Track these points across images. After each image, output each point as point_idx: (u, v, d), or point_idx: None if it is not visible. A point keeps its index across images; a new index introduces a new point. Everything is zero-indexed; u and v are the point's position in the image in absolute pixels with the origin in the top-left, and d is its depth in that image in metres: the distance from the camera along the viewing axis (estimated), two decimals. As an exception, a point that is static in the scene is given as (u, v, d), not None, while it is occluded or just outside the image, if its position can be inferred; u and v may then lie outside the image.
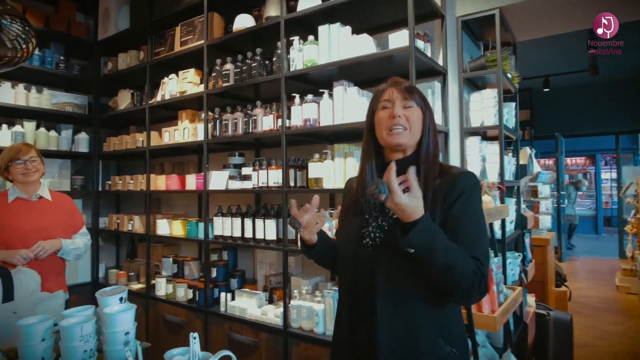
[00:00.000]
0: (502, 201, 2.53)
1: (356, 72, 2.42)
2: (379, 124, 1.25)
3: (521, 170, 3.24)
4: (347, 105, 2.32)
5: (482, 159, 2.66)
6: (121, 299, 1.47)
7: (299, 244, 2.51)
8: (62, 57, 3.66)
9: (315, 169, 2.41)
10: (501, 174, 2.59)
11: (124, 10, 3.69)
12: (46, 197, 2.35)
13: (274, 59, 2.61)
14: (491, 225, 2.38)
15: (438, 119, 2.42)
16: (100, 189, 3.91)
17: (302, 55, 2.49)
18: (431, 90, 2.37)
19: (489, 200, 2.25)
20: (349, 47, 2.34)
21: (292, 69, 2.52)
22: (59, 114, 3.66)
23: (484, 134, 2.82)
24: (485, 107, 2.64)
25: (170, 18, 3.25)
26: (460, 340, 1.22)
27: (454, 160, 2.59)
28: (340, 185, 2.34)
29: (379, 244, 1.21)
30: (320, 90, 2.43)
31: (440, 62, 2.49)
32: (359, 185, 1.31)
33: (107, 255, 4.11)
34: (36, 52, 3.46)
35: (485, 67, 2.63)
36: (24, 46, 1.64)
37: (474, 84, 2.83)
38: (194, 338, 1.22)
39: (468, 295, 1.10)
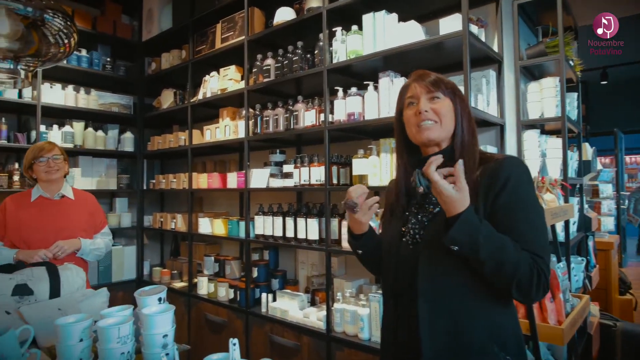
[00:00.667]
0: (566, 200, 2.30)
1: (403, 62, 2.27)
2: (407, 123, 1.18)
3: (584, 167, 2.97)
4: (393, 97, 2.18)
5: (542, 154, 2.44)
6: (160, 299, 1.41)
7: (342, 244, 2.39)
8: (108, 59, 3.73)
9: (360, 165, 2.29)
10: (564, 170, 2.36)
11: (167, 10, 3.72)
12: (69, 195, 2.32)
13: (316, 51, 2.51)
14: (553, 226, 2.17)
15: (493, 110, 2.23)
16: (144, 187, 3.96)
17: (345, 46, 2.38)
18: (485, 80, 2.19)
19: (552, 199, 2.04)
20: (395, 36, 2.20)
21: (334, 61, 2.41)
22: (106, 114, 3.74)
23: (543, 127, 2.59)
24: (545, 97, 2.41)
25: (211, 15, 3.23)
26: (517, 348, 1.11)
27: (511, 156, 2.39)
28: (387, 182, 2.20)
29: (419, 241, 1.15)
30: (365, 83, 2.31)
31: (496, 48, 2.30)
32: (396, 185, 1.25)
33: (152, 253, 4.17)
34: (84, 54, 3.55)
35: (545, 53, 2.41)
36: (65, 41, 1.63)
37: (530, 73, 2.61)
38: (234, 344, 1.13)
39: (526, 293, 1.00)
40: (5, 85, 1.67)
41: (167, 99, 3.70)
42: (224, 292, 3.03)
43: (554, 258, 2.00)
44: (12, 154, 3.44)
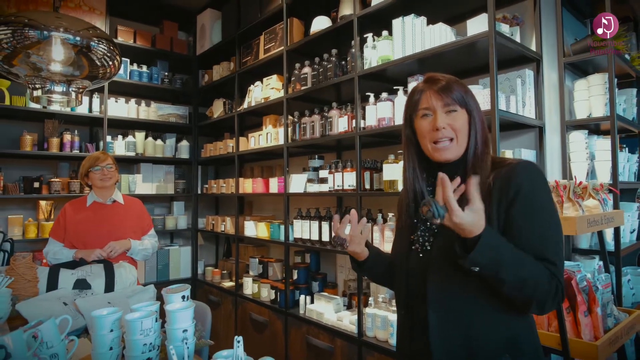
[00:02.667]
0: (616, 206, 2.13)
1: (434, 65, 2.23)
2: (420, 133, 1.12)
3: (647, 169, 2.71)
4: (422, 101, 2.16)
5: (590, 157, 2.28)
6: (184, 297, 1.53)
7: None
8: (166, 73, 4.04)
9: (390, 170, 2.29)
10: (614, 173, 2.18)
11: (217, 25, 3.95)
12: (119, 201, 2.54)
13: (348, 58, 2.55)
14: (601, 234, 2.02)
15: (530, 111, 2.12)
16: (199, 192, 4.22)
17: (376, 52, 2.39)
18: (521, 80, 2.09)
19: (594, 205, 1.90)
20: (424, 39, 2.18)
21: (365, 67, 2.43)
22: (164, 124, 4.05)
23: (594, 127, 2.41)
24: (593, 95, 2.26)
25: (255, 28, 3.39)
26: (533, 358, 1.06)
27: (553, 159, 2.26)
28: (416, 187, 2.18)
29: (428, 249, 1.13)
30: (395, 88, 2.31)
31: (533, 46, 2.19)
32: (405, 192, 1.21)
33: (207, 253, 4.43)
34: (144, 69, 3.87)
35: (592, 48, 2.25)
36: (110, 63, 1.82)
37: (580, 69, 2.44)
38: (238, 342, 1.21)
39: (542, 306, 0.98)
40: (58, 104, 1.90)
41: (217, 109, 3.92)
42: (266, 293, 3.16)
43: (594, 267, 1.87)
44: (85, 162, 3.85)
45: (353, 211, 1.24)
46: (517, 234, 0.99)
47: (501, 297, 1.00)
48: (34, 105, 3.35)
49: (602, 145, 2.28)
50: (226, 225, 3.72)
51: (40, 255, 3.24)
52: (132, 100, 3.88)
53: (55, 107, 3.28)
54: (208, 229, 4.01)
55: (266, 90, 3.27)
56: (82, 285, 2.17)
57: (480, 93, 1.94)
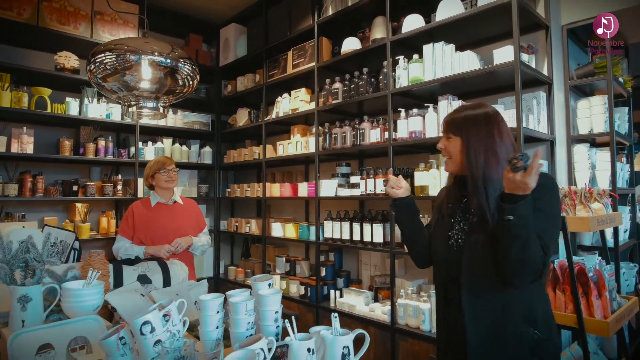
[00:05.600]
0: (615, 209, 2.50)
1: (460, 86, 2.57)
2: None
3: (636, 177, 3.11)
4: (451, 117, 2.49)
5: (592, 166, 2.64)
6: (269, 285, 1.80)
7: (404, 246, 2.71)
8: (191, 83, 4.28)
9: (421, 177, 2.60)
10: (613, 181, 2.55)
11: (242, 39, 4.22)
12: (179, 201, 2.80)
13: (380, 77, 2.86)
14: (602, 232, 2.38)
15: (544, 127, 2.47)
16: (220, 195, 4.47)
17: (406, 72, 2.71)
18: (536, 101, 2.44)
19: (599, 208, 2.26)
20: (453, 64, 2.51)
21: (397, 85, 2.74)
22: (189, 131, 4.28)
23: (593, 141, 2.79)
24: (594, 114, 2.63)
25: (283, 44, 3.67)
26: (545, 324, 1.33)
27: (562, 168, 2.61)
28: (446, 192, 2.50)
29: (461, 244, 1.42)
30: (426, 105, 2.63)
31: (545, 71, 2.55)
32: (446, 192, 1.53)
33: (223, 254, 4.66)
34: (173, 79, 4.10)
35: (594, 73, 2.62)
36: (190, 82, 2.08)
37: (581, 90, 2.82)
38: (335, 317, 1.49)
39: (532, 272, 1.21)
40: (145, 116, 2.15)
41: (242, 117, 4.18)
42: (295, 289, 3.43)
43: (595, 261, 2.22)
44: (114, 167, 4.05)
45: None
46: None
47: (504, 265, 1.23)
48: (72, 112, 3.55)
49: (602, 156, 2.65)
50: (251, 227, 3.97)
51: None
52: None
53: (144, 120, 3.73)
54: (230, 231, 4.25)
55: (294, 102, 3.56)
56: (144, 280, 2.40)
57: (507, 113, 2.28)
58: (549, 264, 1.27)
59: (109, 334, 1.27)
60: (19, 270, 1.62)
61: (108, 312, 1.97)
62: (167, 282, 2.46)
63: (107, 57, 1.86)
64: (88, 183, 3.66)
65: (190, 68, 2.02)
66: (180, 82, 2.06)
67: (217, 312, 1.70)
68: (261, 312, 1.72)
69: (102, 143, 3.72)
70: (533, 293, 1.33)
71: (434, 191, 2.55)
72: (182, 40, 4.43)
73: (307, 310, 3.28)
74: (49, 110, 3.44)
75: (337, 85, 3.15)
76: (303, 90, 3.53)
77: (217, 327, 1.70)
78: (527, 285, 1.28)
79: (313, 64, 3.33)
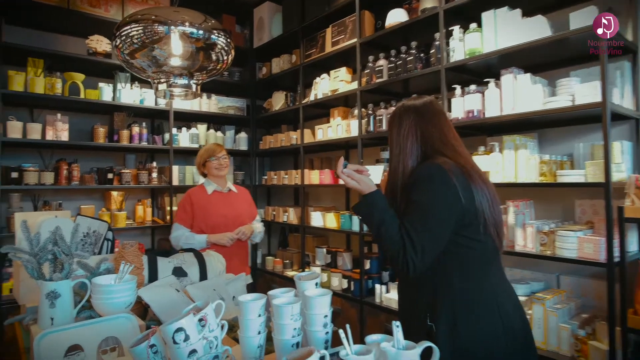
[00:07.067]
0: None
1: (527, 57, 2.25)
2: None
3: None
4: (517, 93, 2.18)
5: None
6: (316, 284, 1.59)
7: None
8: (225, 66, 4.10)
9: (480, 162, 2.31)
10: None
11: (277, 18, 3.99)
12: (233, 189, 2.74)
13: (432, 51, 2.57)
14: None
15: (628, 103, 2.13)
16: (256, 183, 4.30)
17: (462, 45, 2.41)
18: (620, 72, 2.10)
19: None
20: (518, 32, 2.19)
21: (451, 59, 2.45)
22: (224, 116, 4.12)
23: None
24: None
25: (321, 21, 3.42)
26: (448, 316, 1.27)
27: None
28: (510, 179, 2.21)
29: None
30: (485, 80, 2.32)
31: (630, 36, 2.18)
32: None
33: (260, 243, 4.51)
34: (206, 62, 3.94)
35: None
36: (225, 58, 1.88)
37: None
38: (397, 327, 1.26)
39: (391, 262, 1.33)
40: (177, 98, 1.97)
41: (278, 101, 3.97)
42: (337, 282, 3.23)
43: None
44: (149, 153, 3.95)
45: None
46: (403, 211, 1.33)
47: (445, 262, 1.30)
48: (105, 98, 3.45)
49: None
50: (289, 216, 3.79)
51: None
52: (195, 93, 3.96)
53: (177, 105, 3.70)
54: (268, 219, 4.09)
55: (334, 82, 3.31)
56: (179, 273, 2.25)
57: (584, 87, 1.95)
58: (411, 248, 1.25)
59: (138, 340, 1.10)
60: (47, 263, 1.50)
61: (142, 308, 1.83)
62: (203, 275, 2.31)
63: (133, 29, 1.68)
64: (123, 170, 3.57)
65: (225, 41, 1.82)
66: (214, 58, 1.86)
67: (259, 315, 1.50)
68: (308, 315, 1.51)
69: (136, 129, 3.61)
70: (437, 285, 1.31)
71: (495, 178, 2.26)
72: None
73: (351, 306, 3.07)
74: (82, 96, 3.35)
75: (382, 62, 2.88)
76: (343, 69, 3.27)
77: (259, 333, 1.51)
78: (401, 268, 1.28)
79: (354, 40, 3.07)
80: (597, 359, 1.80)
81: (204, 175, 2.72)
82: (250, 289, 2.80)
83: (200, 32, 1.75)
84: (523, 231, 2.12)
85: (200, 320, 1.32)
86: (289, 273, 3.76)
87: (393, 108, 2.81)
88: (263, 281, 4.02)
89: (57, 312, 1.36)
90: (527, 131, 2.43)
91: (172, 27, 1.70)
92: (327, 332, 1.48)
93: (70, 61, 3.36)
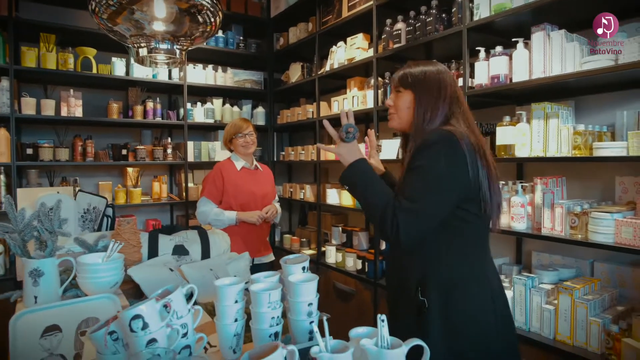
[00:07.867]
0: None
1: (561, 11, 1.94)
2: None
3: None
4: (550, 54, 1.89)
5: None
6: (303, 269, 1.44)
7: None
8: (241, 37, 3.94)
9: (505, 134, 2.06)
10: None
11: (294, -17, 3.75)
12: (259, 167, 2.67)
13: (453, 9, 2.29)
14: None
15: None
16: (275, 159, 4.17)
17: (488, 0, 2.11)
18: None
19: None
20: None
21: (475, 18, 2.17)
22: (240, 90, 3.98)
23: None
24: None
25: (338, -17, 3.16)
26: (440, 292, 1.23)
27: None
28: (538, 152, 1.94)
29: None
30: (513, 40, 2.04)
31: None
32: None
33: (281, 221, 4.42)
34: (220, 34, 3.79)
35: None
36: (212, 20, 1.71)
37: None
38: (382, 321, 1.09)
39: (380, 228, 1.23)
40: (160, 66, 1.83)
41: (295, 73, 3.78)
42: (352, 262, 3.07)
43: None
44: (165, 129, 3.88)
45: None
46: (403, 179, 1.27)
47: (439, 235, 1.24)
48: (118, 73, 3.38)
49: None
50: (305, 193, 3.65)
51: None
52: (210, 67, 3.83)
53: (190, 77, 3.52)
54: (286, 197, 3.97)
55: (350, 50, 3.08)
56: (180, 251, 2.16)
57: (632, 41, 1.64)
58: (402, 215, 1.18)
59: (100, 326, 1.01)
60: (33, 241, 1.45)
61: (135, 288, 1.75)
62: (205, 253, 2.21)
63: (106, -12, 1.54)
64: (138, 147, 3.53)
65: (210, 1, 1.64)
66: (200, 20, 1.69)
67: (236, 301, 1.37)
68: (291, 303, 1.36)
69: (150, 105, 3.54)
70: (429, 258, 1.27)
71: (522, 151, 1.99)
72: (229, -10, 4.06)
73: (365, 287, 2.91)
74: (94, 71, 3.30)
75: (400, 25, 2.62)
76: (360, 36, 3.03)
77: (236, 320, 1.38)
78: (387, 238, 1.23)
79: (371, 2, 2.81)
80: (632, 358, 1.56)
81: (230, 151, 2.65)
82: (269, 267, 2.71)
83: (182, -10, 1.58)
84: (552, 212, 1.87)
85: (165, 306, 1.20)
86: (306, 252, 3.64)
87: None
88: (280, 259, 3.92)
89: (40, 290, 1.33)
90: (563, 99, 2.13)
91: (150, -15, 1.55)
92: (311, 322, 1.33)
93: (82, 35, 3.30)
